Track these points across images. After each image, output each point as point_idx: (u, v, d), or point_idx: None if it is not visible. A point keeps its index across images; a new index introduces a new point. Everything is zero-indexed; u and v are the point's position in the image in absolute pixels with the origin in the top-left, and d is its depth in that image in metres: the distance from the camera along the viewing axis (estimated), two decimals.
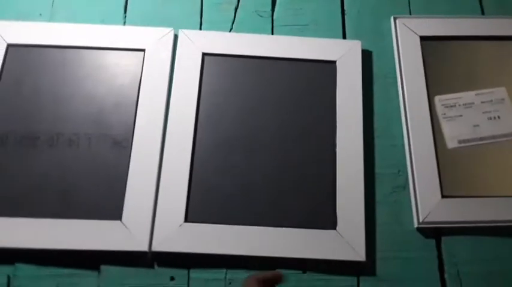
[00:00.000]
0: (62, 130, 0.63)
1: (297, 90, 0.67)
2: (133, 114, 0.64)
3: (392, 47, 0.71)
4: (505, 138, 0.65)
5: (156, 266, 0.57)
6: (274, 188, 0.61)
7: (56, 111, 0.64)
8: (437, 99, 0.68)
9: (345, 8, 0.75)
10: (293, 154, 0.63)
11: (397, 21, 0.72)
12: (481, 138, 0.65)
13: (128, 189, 0.59)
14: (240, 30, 0.72)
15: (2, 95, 0.65)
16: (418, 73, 0.69)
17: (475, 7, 0.75)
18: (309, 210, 0.60)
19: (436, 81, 0.68)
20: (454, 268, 0.59)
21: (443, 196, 0.61)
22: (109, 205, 0.59)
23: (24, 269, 0.57)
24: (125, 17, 0.73)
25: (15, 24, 0.69)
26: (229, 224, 0.58)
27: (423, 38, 0.71)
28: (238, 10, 0.74)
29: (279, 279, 0.46)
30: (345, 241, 0.58)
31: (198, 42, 0.69)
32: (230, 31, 0.72)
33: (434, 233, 0.61)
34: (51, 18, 0.72)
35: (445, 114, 0.66)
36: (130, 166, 0.61)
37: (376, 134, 0.66)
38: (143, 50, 0.68)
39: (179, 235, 0.57)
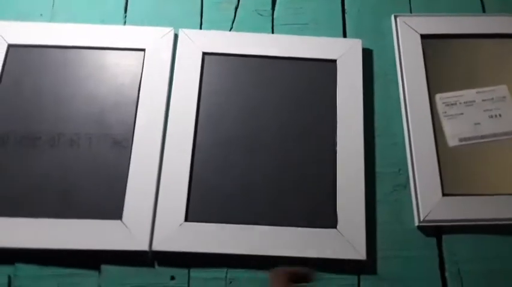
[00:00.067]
0: (63, 130, 0.63)
1: (297, 89, 0.67)
2: (134, 114, 0.64)
3: (393, 46, 0.71)
4: (506, 137, 0.65)
5: (156, 266, 0.57)
6: (274, 187, 0.61)
7: (57, 112, 0.64)
8: (438, 97, 0.67)
9: (346, 6, 0.75)
10: (293, 153, 0.63)
11: (397, 19, 0.72)
12: (482, 137, 0.65)
13: (128, 189, 0.59)
14: (240, 29, 0.72)
15: (3, 95, 0.65)
16: (418, 71, 0.68)
17: (476, 5, 0.75)
18: (310, 209, 0.60)
19: (437, 79, 0.68)
20: (455, 266, 0.59)
21: (444, 194, 0.61)
22: (109, 205, 0.59)
23: (24, 269, 0.57)
24: (125, 16, 0.73)
25: (15, 24, 0.69)
26: (229, 223, 0.58)
27: (424, 36, 0.71)
28: (238, 9, 0.74)
29: (309, 277, 0.45)
30: (345, 239, 0.58)
31: (199, 42, 0.69)
32: (230, 30, 0.72)
33: (435, 231, 0.61)
34: (51, 19, 0.72)
35: (445, 112, 0.66)
36: (130, 165, 0.61)
37: (377, 132, 0.66)
38: (144, 50, 0.68)
39: (179, 235, 0.57)
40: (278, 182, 0.61)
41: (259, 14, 0.74)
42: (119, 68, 0.67)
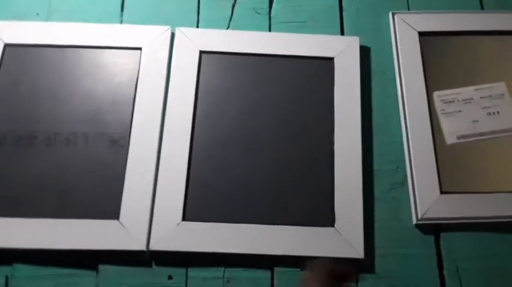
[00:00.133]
0: (60, 129, 0.63)
1: (295, 87, 0.67)
2: (131, 113, 0.64)
3: (391, 43, 0.71)
4: (504, 134, 0.65)
5: (154, 265, 0.57)
6: (271, 186, 0.61)
7: (54, 111, 0.64)
8: (436, 95, 0.67)
9: (343, 4, 0.74)
10: (291, 152, 0.63)
11: (395, 16, 0.72)
12: (480, 134, 0.65)
13: (125, 188, 0.59)
14: (237, 27, 0.72)
15: (0, 95, 0.65)
16: (416, 69, 0.68)
17: (474, 2, 0.75)
18: (307, 208, 0.60)
19: (435, 76, 0.68)
20: (453, 264, 0.59)
21: (442, 192, 0.61)
22: (107, 204, 0.59)
23: (22, 270, 0.57)
24: (122, 15, 0.72)
25: (12, 24, 0.69)
26: (227, 222, 0.58)
27: (422, 34, 0.71)
28: (235, 7, 0.74)
29: (348, 277, 0.44)
30: (343, 238, 0.58)
31: (196, 40, 0.69)
32: (228, 28, 0.72)
33: (433, 229, 0.60)
34: (48, 18, 0.72)
35: (443, 110, 0.66)
36: (127, 164, 0.60)
37: (375, 130, 0.66)
38: (141, 49, 0.68)
39: (177, 234, 0.57)
40: (276, 181, 0.61)
41: (256, 12, 0.73)
42: (116, 67, 0.67)
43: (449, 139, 0.65)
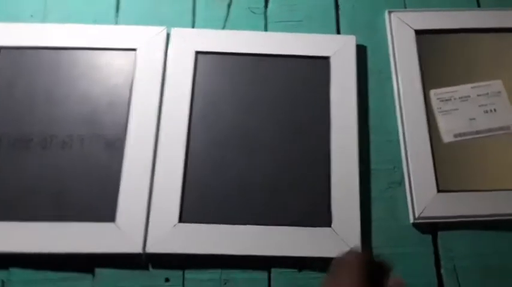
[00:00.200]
0: (55, 132, 0.63)
1: (291, 87, 0.67)
2: (126, 115, 0.63)
3: (387, 42, 0.71)
4: (501, 131, 0.65)
5: (150, 268, 0.57)
6: (268, 186, 0.61)
7: (49, 113, 0.64)
8: (432, 93, 0.67)
9: (339, 3, 0.74)
10: (288, 152, 0.63)
11: (391, 15, 0.72)
12: (477, 132, 0.64)
13: (121, 190, 0.59)
14: (233, 27, 0.72)
15: None
16: (413, 67, 0.68)
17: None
18: (304, 208, 0.60)
19: (432, 75, 0.68)
20: (451, 263, 0.58)
21: (439, 191, 0.60)
22: (102, 207, 0.58)
23: (18, 274, 0.57)
24: (117, 16, 0.72)
25: (6, 26, 0.69)
26: (223, 223, 0.58)
27: (418, 32, 0.70)
28: (231, 7, 0.73)
29: (387, 271, 0.39)
30: (340, 238, 0.57)
31: (191, 41, 0.69)
32: (223, 29, 0.72)
33: (430, 228, 0.60)
34: (42, 20, 0.71)
35: (440, 108, 0.66)
36: (123, 167, 0.60)
37: (371, 129, 0.66)
38: (136, 50, 0.67)
39: (173, 236, 0.57)
40: (272, 181, 0.61)
41: (252, 11, 0.73)
42: (112, 68, 0.67)
43: (446, 137, 0.64)
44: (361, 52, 0.70)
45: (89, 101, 0.65)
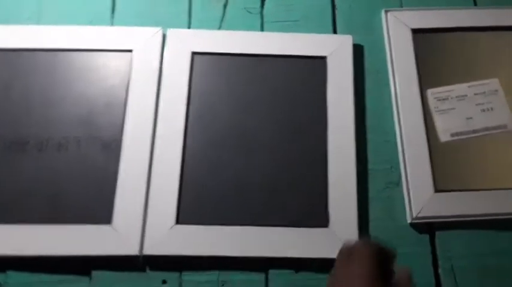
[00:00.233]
0: (52, 134, 0.63)
1: (288, 87, 0.67)
2: (123, 116, 0.63)
3: (384, 41, 0.71)
4: (498, 130, 0.65)
5: (147, 270, 0.57)
6: (265, 187, 0.61)
7: (46, 115, 0.64)
8: (429, 92, 0.67)
9: (336, 2, 0.74)
10: (284, 152, 0.63)
11: (388, 14, 0.72)
12: (474, 131, 0.64)
13: (117, 192, 0.59)
14: (229, 27, 0.71)
15: None
16: (410, 67, 0.68)
17: None
18: (301, 209, 0.60)
19: (429, 74, 0.68)
20: (448, 262, 0.58)
21: (436, 190, 0.60)
22: (99, 209, 0.58)
23: (15, 277, 0.56)
24: (113, 17, 0.72)
25: (2, 28, 0.68)
26: (220, 225, 0.58)
27: (415, 31, 0.70)
28: (227, 7, 0.73)
29: (393, 258, 0.39)
30: (337, 238, 0.57)
31: (187, 41, 0.68)
32: (219, 29, 0.71)
33: (427, 228, 0.60)
34: (38, 22, 0.71)
35: (437, 107, 0.66)
36: (119, 168, 0.60)
37: (369, 129, 0.65)
38: (132, 51, 0.67)
39: (170, 238, 0.57)
40: (269, 182, 0.61)
41: (248, 11, 0.73)
42: (108, 69, 0.67)
43: (443, 137, 0.64)
44: (358, 52, 0.70)
45: (85, 103, 0.64)
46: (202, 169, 0.61)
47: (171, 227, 0.58)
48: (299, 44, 0.69)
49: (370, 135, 0.65)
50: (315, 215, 0.59)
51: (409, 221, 0.60)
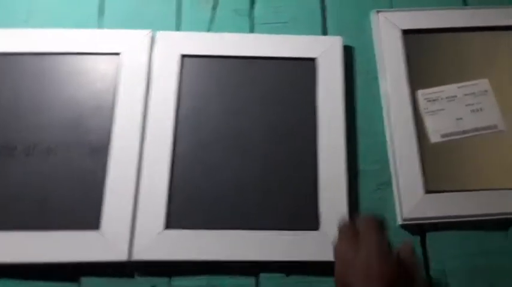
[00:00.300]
0: (40, 139, 0.62)
1: (278, 89, 0.66)
2: (111, 120, 0.63)
3: (374, 42, 0.70)
4: (488, 131, 0.65)
5: (136, 276, 0.56)
6: (256, 190, 0.60)
7: (34, 120, 0.63)
8: (419, 93, 0.67)
9: (326, 3, 0.74)
10: (275, 154, 0.62)
11: (378, 15, 0.71)
12: (464, 131, 0.64)
13: (106, 197, 0.58)
14: (219, 29, 0.71)
15: None
16: (400, 68, 0.68)
17: None
18: (292, 211, 0.59)
19: (419, 75, 0.67)
20: (440, 264, 0.58)
21: (427, 192, 0.60)
22: (87, 215, 0.58)
23: (3, 285, 0.56)
24: (102, 20, 0.71)
25: None
26: (210, 229, 0.58)
27: (405, 32, 0.70)
28: (216, 9, 0.73)
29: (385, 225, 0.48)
30: (328, 241, 0.57)
31: (177, 44, 0.68)
32: (208, 31, 0.71)
33: (418, 229, 0.60)
34: (26, 25, 0.70)
35: (427, 108, 0.66)
36: (108, 173, 0.59)
37: (359, 131, 0.65)
38: (120, 54, 0.67)
39: (159, 243, 0.56)
40: (260, 185, 0.61)
41: (237, 13, 0.72)
42: (96, 73, 0.66)
43: (433, 138, 0.64)
44: (348, 53, 0.70)
45: (74, 107, 0.64)
46: (192, 173, 0.61)
47: (160, 232, 0.57)
48: (289, 46, 0.69)
49: (360, 137, 0.65)
50: (306, 217, 0.59)
51: (400, 222, 0.60)
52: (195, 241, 0.57)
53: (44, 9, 0.72)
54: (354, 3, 0.74)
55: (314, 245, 0.57)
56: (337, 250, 0.48)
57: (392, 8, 0.73)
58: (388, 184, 0.62)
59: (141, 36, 0.68)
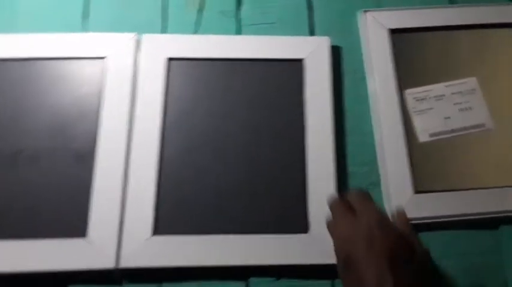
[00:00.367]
0: (25, 145, 0.61)
1: (266, 91, 0.66)
2: (97, 125, 0.62)
3: (362, 42, 0.70)
4: (477, 129, 0.65)
5: (125, 283, 0.56)
6: (244, 193, 0.60)
7: (18, 127, 0.62)
8: (407, 92, 0.67)
9: (312, 3, 0.73)
10: (264, 157, 0.62)
11: (366, 14, 0.71)
12: (453, 131, 0.64)
13: (92, 204, 0.57)
14: (206, 31, 0.70)
15: None
16: (387, 67, 0.67)
17: None
18: (280, 215, 0.59)
19: (407, 74, 0.67)
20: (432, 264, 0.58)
21: (416, 192, 0.60)
22: (74, 222, 0.57)
23: None
24: (86, 23, 0.70)
25: None
26: (199, 234, 0.57)
27: (393, 31, 0.70)
28: (203, 11, 0.72)
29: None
30: (318, 244, 0.57)
31: (163, 47, 0.67)
32: (195, 33, 0.70)
33: None
34: (8, 30, 0.69)
35: (415, 107, 0.65)
36: (94, 179, 0.59)
37: (347, 131, 0.65)
38: (106, 58, 0.66)
39: (147, 249, 0.56)
40: (248, 188, 0.60)
41: (224, 15, 0.72)
42: (81, 77, 0.65)
43: (422, 137, 0.64)
44: (336, 53, 0.69)
45: (58, 113, 0.63)
46: (180, 178, 0.60)
47: (148, 239, 0.56)
48: (276, 47, 0.68)
49: (348, 137, 0.65)
50: (295, 220, 0.58)
51: None
52: (184, 247, 0.56)
53: (26, 12, 0.71)
54: (341, 3, 0.73)
55: (304, 248, 0.57)
56: (333, 228, 0.49)
57: (379, 7, 0.73)
58: (377, 184, 0.62)
59: (127, 39, 0.67)
